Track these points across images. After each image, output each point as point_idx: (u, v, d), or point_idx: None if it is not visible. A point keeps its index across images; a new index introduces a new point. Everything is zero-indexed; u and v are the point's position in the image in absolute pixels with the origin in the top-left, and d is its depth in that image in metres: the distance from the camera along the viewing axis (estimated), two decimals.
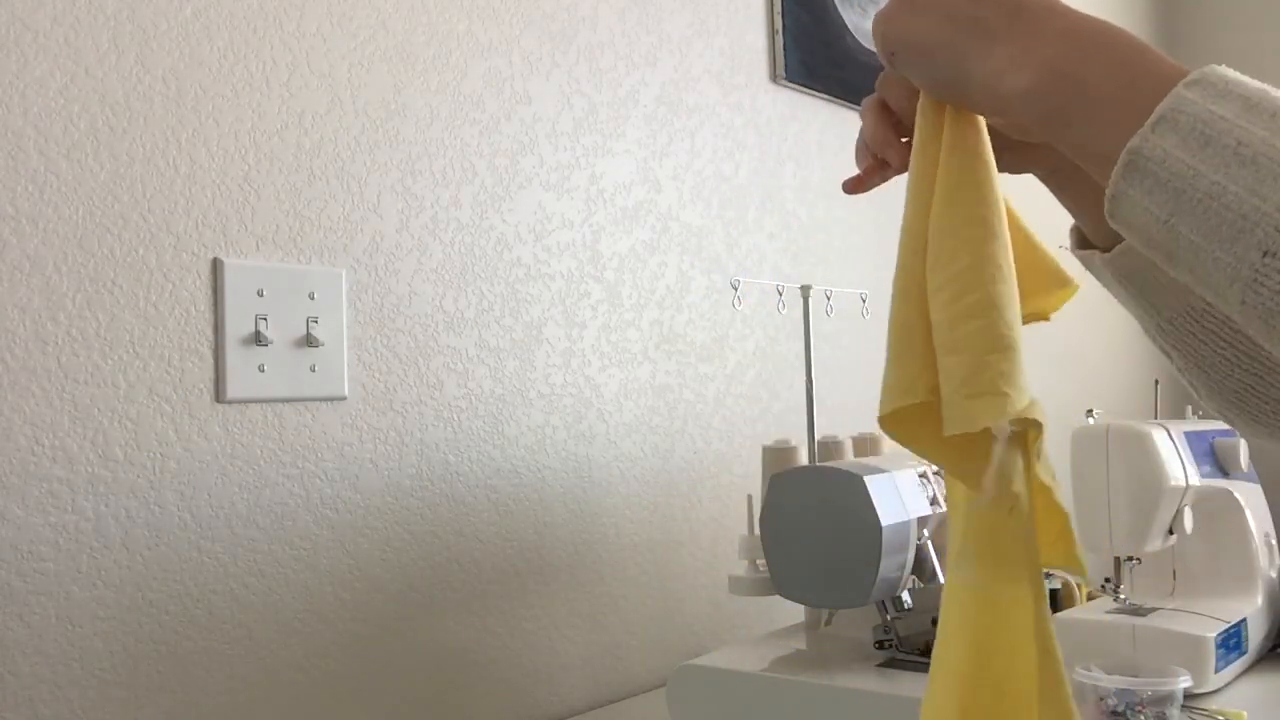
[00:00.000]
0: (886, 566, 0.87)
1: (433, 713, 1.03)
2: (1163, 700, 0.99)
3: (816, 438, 1.09)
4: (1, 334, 0.78)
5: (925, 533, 0.95)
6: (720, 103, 1.38)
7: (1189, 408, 1.55)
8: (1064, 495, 0.51)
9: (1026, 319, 0.56)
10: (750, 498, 1.07)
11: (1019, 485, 0.49)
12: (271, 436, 0.92)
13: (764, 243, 1.43)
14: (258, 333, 0.91)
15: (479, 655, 1.07)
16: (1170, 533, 1.23)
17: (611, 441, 1.22)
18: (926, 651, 0.93)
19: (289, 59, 0.94)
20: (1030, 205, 0.65)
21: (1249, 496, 1.32)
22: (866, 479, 0.88)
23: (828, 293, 1.22)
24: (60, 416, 0.80)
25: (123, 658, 0.83)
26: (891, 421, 0.50)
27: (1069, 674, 0.50)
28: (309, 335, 0.94)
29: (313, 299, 0.95)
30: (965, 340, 0.47)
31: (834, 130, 1.57)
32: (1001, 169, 0.56)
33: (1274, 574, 1.31)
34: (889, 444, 1.08)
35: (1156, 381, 1.72)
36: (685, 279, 1.32)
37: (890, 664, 0.94)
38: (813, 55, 1.51)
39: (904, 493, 0.92)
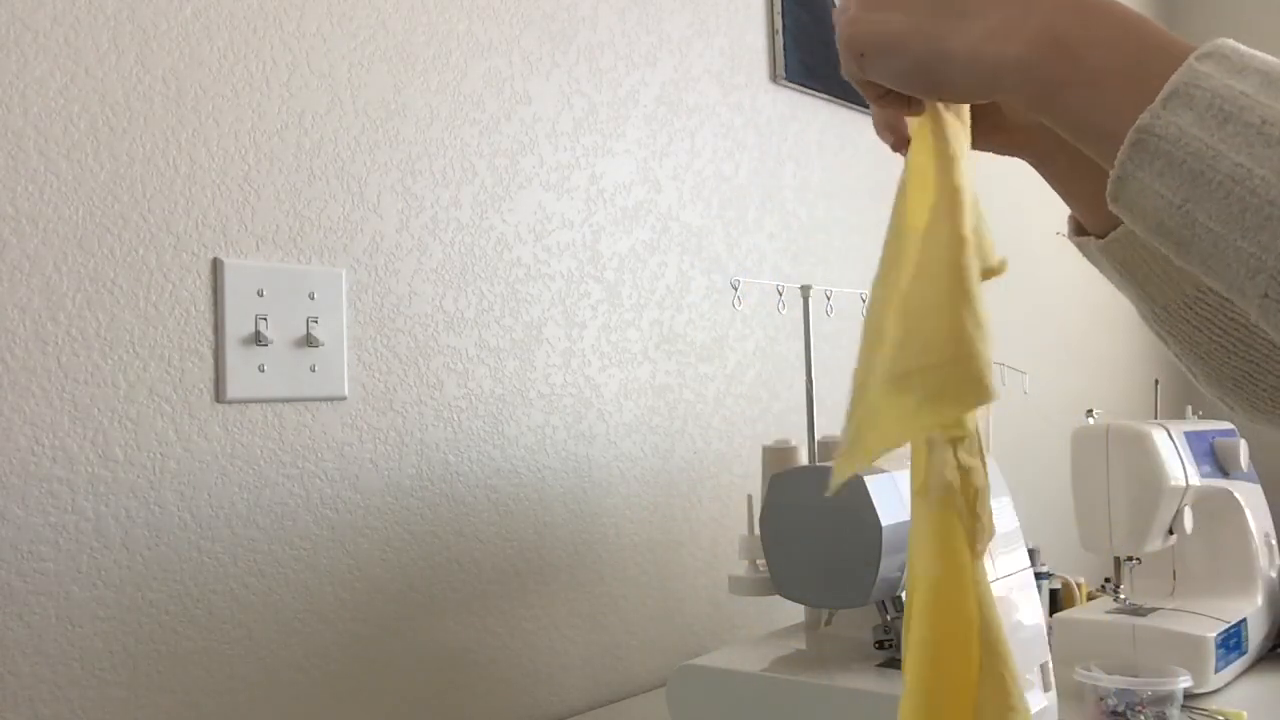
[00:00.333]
0: (886, 566, 0.87)
1: (433, 713, 1.03)
2: (1163, 700, 0.99)
3: (816, 438, 1.09)
4: (1, 334, 0.78)
5: None
6: (720, 103, 1.38)
7: (1189, 407, 1.55)
8: (986, 473, 0.50)
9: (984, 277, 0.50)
10: (750, 498, 1.07)
11: (951, 475, 0.49)
12: (271, 436, 0.92)
13: (764, 243, 1.43)
14: (258, 333, 0.91)
15: (479, 655, 1.07)
16: (1170, 533, 1.23)
17: (611, 441, 1.22)
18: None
19: (289, 59, 0.94)
20: (1026, 193, 0.65)
21: (1249, 496, 1.32)
22: (866, 479, 0.88)
23: (828, 293, 1.22)
24: (60, 416, 0.80)
25: (123, 658, 0.83)
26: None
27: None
28: (309, 335, 0.94)
29: (313, 299, 0.95)
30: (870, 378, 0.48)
31: (834, 130, 1.57)
32: (991, 151, 0.55)
33: (1274, 574, 1.31)
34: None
35: (1156, 381, 1.72)
36: (685, 279, 1.32)
37: (890, 664, 0.94)
38: (813, 55, 1.51)
39: (904, 493, 0.92)
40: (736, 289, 1.37)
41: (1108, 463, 1.22)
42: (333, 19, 0.97)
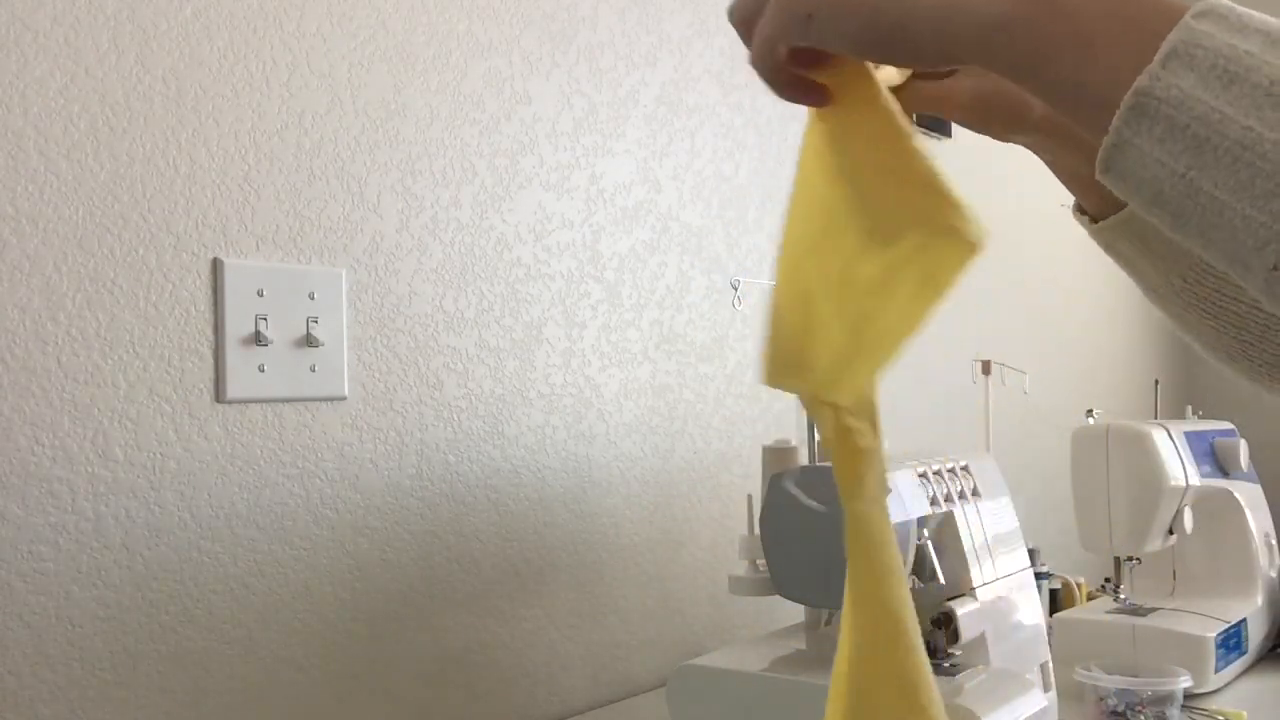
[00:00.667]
0: None
1: (433, 713, 1.03)
2: (1163, 700, 0.99)
3: (816, 438, 1.09)
4: (1, 334, 0.78)
5: (925, 533, 0.95)
6: (720, 103, 1.38)
7: (1189, 407, 1.55)
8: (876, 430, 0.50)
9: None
10: (750, 498, 1.07)
11: (829, 433, 0.49)
12: (271, 436, 0.92)
13: (764, 243, 1.43)
14: (258, 333, 0.91)
15: (479, 655, 1.07)
16: (1170, 533, 1.23)
17: (611, 441, 1.22)
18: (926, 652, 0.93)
19: (289, 59, 0.94)
20: (1026, 192, 0.65)
21: (1249, 496, 1.32)
22: None
23: None
24: (60, 416, 0.80)
25: (123, 658, 0.83)
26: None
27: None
28: (309, 335, 0.94)
29: (313, 299, 0.95)
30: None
31: None
32: (988, 134, 0.54)
33: (1274, 574, 1.31)
34: (889, 445, 1.08)
35: (1156, 381, 1.72)
36: (685, 279, 1.32)
37: None
38: None
39: (903, 493, 0.92)
40: (736, 289, 1.37)
41: (1108, 463, 1.22)
42: (333, 19, 0.97)
